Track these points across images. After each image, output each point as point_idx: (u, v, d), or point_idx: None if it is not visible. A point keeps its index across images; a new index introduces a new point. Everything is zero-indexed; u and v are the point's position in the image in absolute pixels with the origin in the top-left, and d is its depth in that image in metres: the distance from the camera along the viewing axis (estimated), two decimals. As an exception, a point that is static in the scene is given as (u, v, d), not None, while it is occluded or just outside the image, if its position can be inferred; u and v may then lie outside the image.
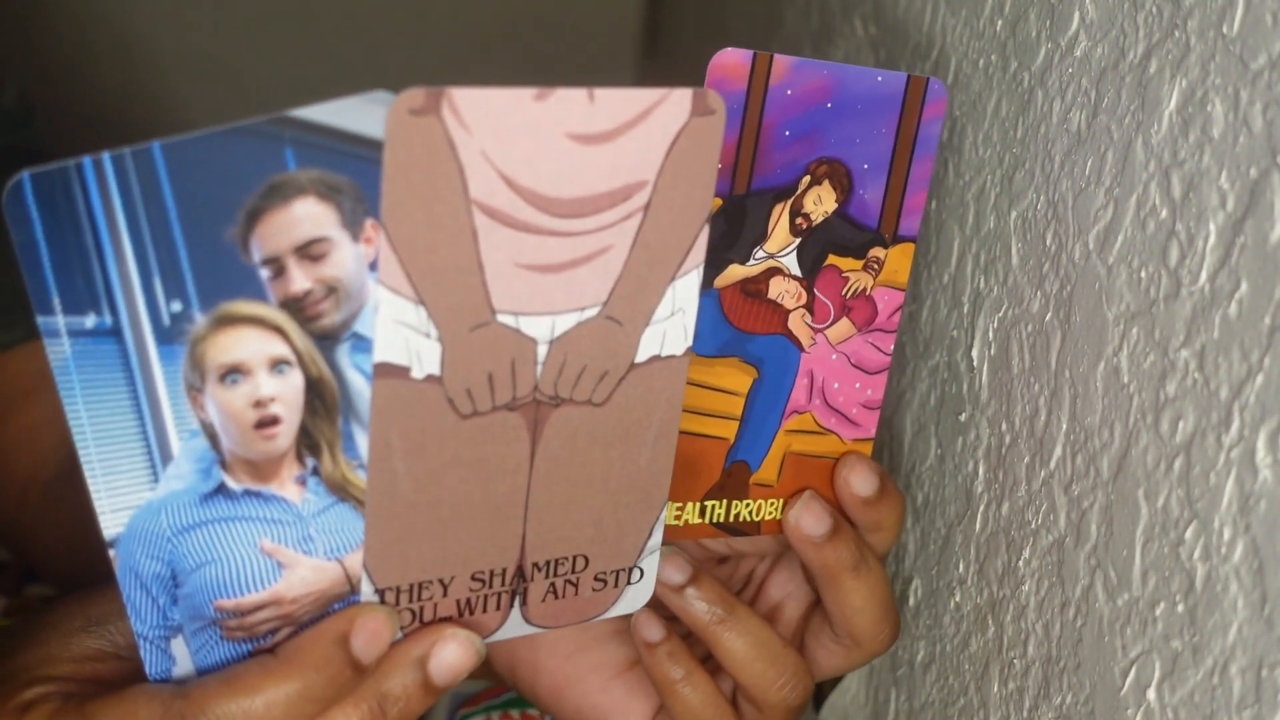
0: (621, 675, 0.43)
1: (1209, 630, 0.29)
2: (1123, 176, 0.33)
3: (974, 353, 0.42)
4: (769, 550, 0.43)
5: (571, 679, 0.43)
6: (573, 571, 0.36)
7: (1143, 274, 0.32)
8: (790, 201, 0.36)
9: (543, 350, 0.31)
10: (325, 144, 0.28)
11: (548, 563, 0.35)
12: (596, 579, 0.36)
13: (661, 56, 1.07)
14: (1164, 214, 0.31)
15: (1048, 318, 0.37)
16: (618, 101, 0.29)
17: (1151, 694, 0.31)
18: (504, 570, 0.34)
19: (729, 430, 0.38)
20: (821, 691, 0.56)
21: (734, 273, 0.36)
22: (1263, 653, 0.27)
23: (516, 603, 0.35)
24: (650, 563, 0.37)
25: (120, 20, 1.08)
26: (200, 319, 0.29)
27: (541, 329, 0.31)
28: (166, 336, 0.29)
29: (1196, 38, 0.30)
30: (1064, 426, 0.36)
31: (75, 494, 0.33)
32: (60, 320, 0.28)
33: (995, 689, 0.40)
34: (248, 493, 0.31)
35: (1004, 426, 0.40)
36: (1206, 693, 0.29)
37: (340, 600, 0.33)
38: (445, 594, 0.34)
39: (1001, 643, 0.39)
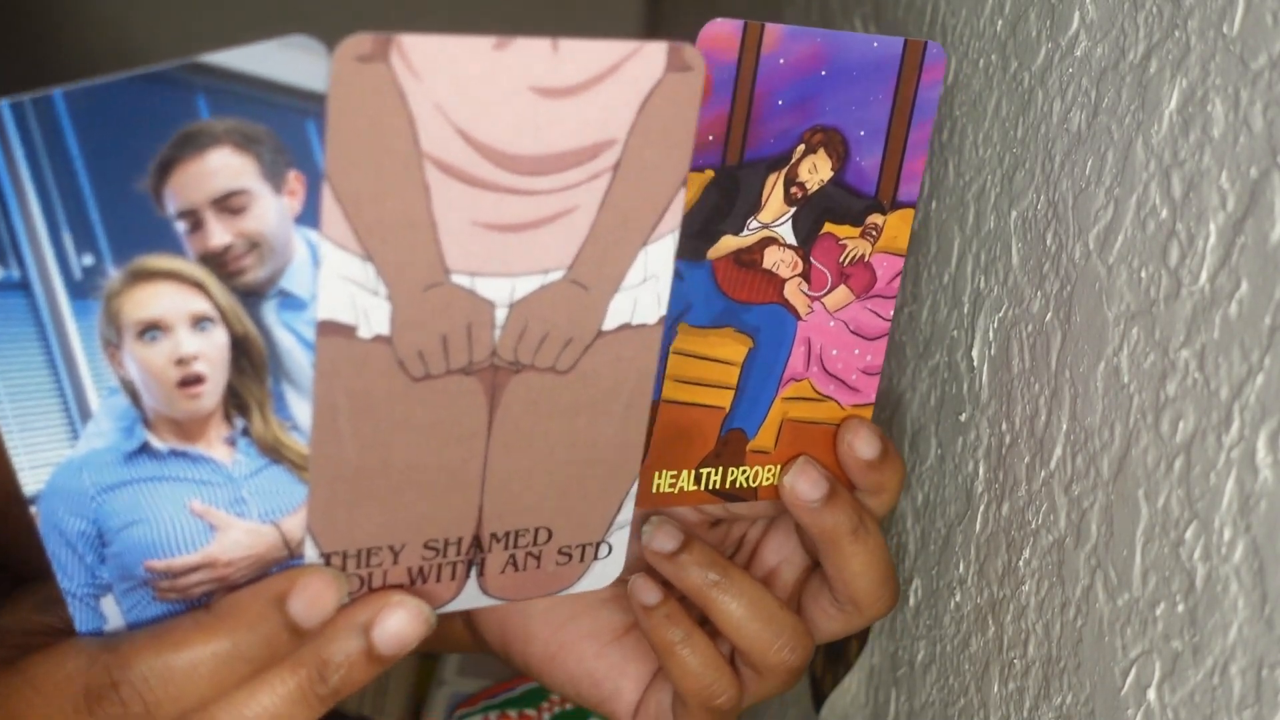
0: (616, 641, 0.42)
1: (1209, 630, 0.29)
2: (1123, 176, 0.33)
3: (974, 353, 0.42)
4: (763, 514, 0.42)
5: (565, 646, 0.42)
6: (535, 544, 0.35)
7: (1143, 274, 0.32)
8: (785, 171, 0.36)
9: (501, 313, 0.30)
10: (241, 91, 0.27)
11: (507, 534, 0.34)
12: (560, 553, 0.35)
13: (661, 56, 1.07)
14: (1164, 214, 0.31)
15: (1048, 318, 0.37)
16: (584, 53, 0.28)
17: (1151, 694, 0.31)
18: (459, 539, 0.33)
19: (724, 399, 0.38)
20: (821, 691, 0.56)
21: (727, 243, 0.36)
22: (1263, 653, 0.27)
23: (473, 573, 0.34)
24: (619, 538, 0.36)
25: (120, 21, 1.08)
26: (114, 273, 0.28)
27: (500, 291, 0.30)
28: (79, 291, 0.28)
29: (1196, 38, 0.30)
30: (1064, 426, 0.36)
31: None
32: None
33: (995, 689, 0.40)
34: (174, 453, 0.30)
35: (1004, 426, 0.40)
36: (1206, 693, 0.29)
37: (279, 565, 0.32)
38: (396, 561, 0.33)
39: (1001, 643, 0.39)
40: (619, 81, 0.28)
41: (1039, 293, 0.38)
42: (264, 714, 0.31)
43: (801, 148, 0.35)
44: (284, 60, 0.27)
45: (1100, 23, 0.35)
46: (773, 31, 0.33)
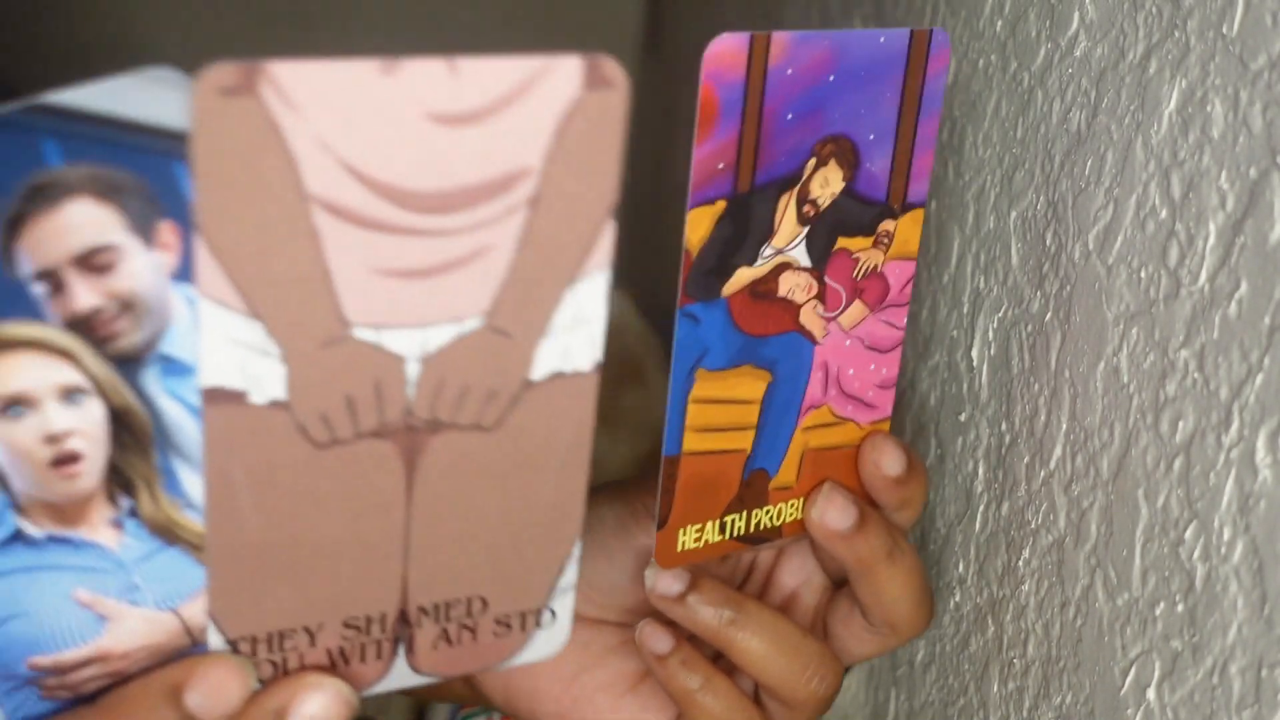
0: (632, 690, 0.40)
1: (1209, 630, 0.29)
2: (1123, 176, 0.33)
3: (974, 353, 0.42)
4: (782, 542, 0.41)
5: (579, 702, 0.40)
6: (468, 615, 0.32)
7: (1143, 274, 0.32)
8: (796, 190, 0.33)
9: (414, 368, 0.28)
10: (97, 133, 0.24)
11: (436, 606, 0.31)
12: (498, 623, 0.32)
13: (662, 56, 1.07)
14: (1164, 214, 0.31)
15: (1048, 318, 0.37)
16: (487, 74, 0.25)
17: (1151, 694, 0.31)
18: (383, 616, 0.31)
19: (745, 441, 0.36)
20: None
21: (742, 277, 0.34)
22: (1263, 653, 0.27)
23: (401, 650, 0.32)
24: (563, 604, 0.33)
25: (120, 20, 1.08)
26: None
27: (410, 344, 0.27)
28: None
29: (1196, 38, 0.30)
30: (1064, 426, 0.36)
31: None
32: None
33: (995, 689, 0.40)
34: (52, 539, 0.27)
35: (1004, 426, 0.40)
36: (1206, 692, 0.29)
37: (181, 655, 0.29)
38: (313, 644, 0.30)
39: (1001, 642, 0.39)
40: (530, 104, 0.25)
41: (1038, 293, 0.38)
42: None
43: (813, 162, 0.33)
44: (143, 96, 0.24)
45: (1100, 23, 0.35)
46: (779, 41, 0.31)
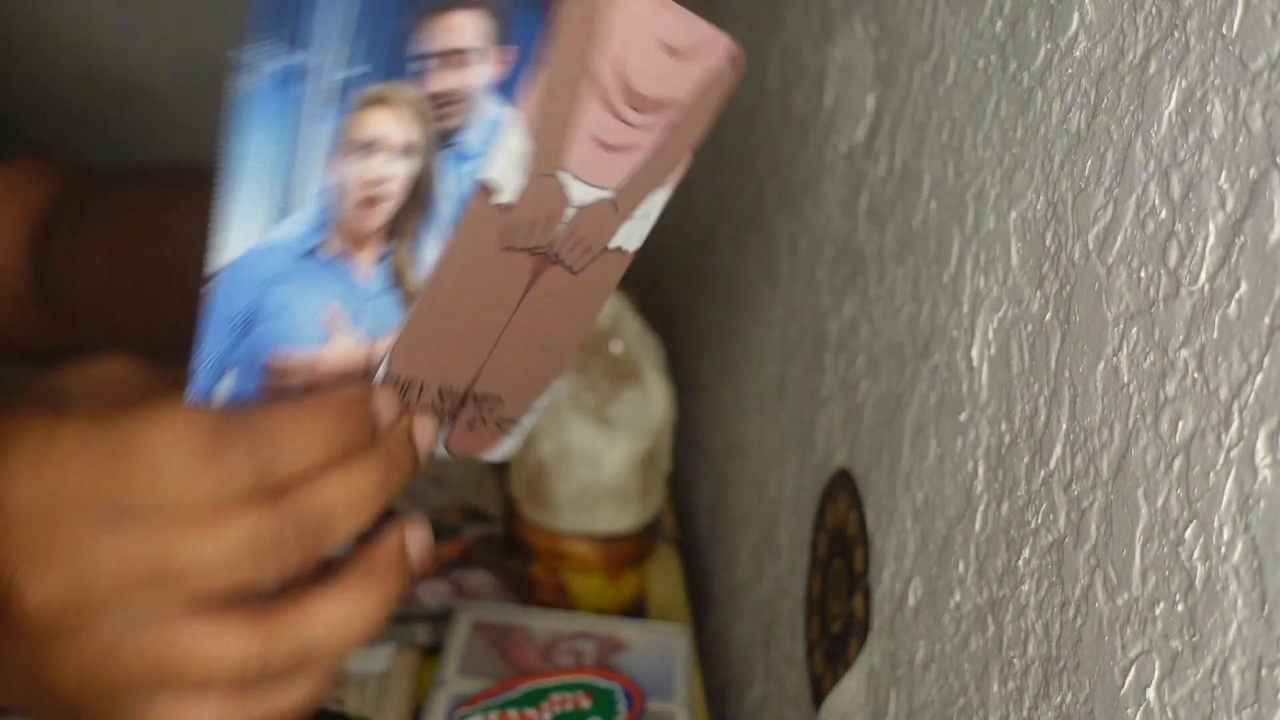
0: None
1: (1209, 630, 0.29)
2: (1122, 176, 0.33)
3: (974, 353, 0.42)
4: None
5: None
6: (491, 409, 0.40)
7: (1142, 274, 0.32)
8: None
9: (570, 213, 0.36)
10: None
11: (483, 395, 0.39)
12: (499, 421, 0.40)
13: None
14: (1164, 214, 0.31)
15: (1047, 318, 0.37)
16: (694, 28, 0.34)
17: (1151, 693, 0.31)
18: (455, 392, 0.38)
19: None
20: (821, 691, 0.56)
21: None
22: (1262, 652, 0.27)
23: (448, 425, 0.39)
24: (529, 421, 0.41)
25: (119, 21, 1.09)
26: (364, 89, 0.31)
27: (579, 195, 0.35)
28: (336, 98, 0.31)
29: (1196, 38, 0.30)
30: (1064, 426, 0.36)
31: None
32: (259, 56, 0.30)
33: (995, 689, 0.40)
34: (334, 260, 0.33)
35: (1004, 426, 0.40)
36: (1206, 692, 0.29)
37: (353, 380, 0.35)
38: (418, 399, 0.37)
39: (1001, 642, 0.39)
40: (700, 57, 0.34)
41: (1038, 293, 0.38)
42: (363, 497, 0.33)
43: None
44: None
45: (1099, 23, 0.35)
46: None
